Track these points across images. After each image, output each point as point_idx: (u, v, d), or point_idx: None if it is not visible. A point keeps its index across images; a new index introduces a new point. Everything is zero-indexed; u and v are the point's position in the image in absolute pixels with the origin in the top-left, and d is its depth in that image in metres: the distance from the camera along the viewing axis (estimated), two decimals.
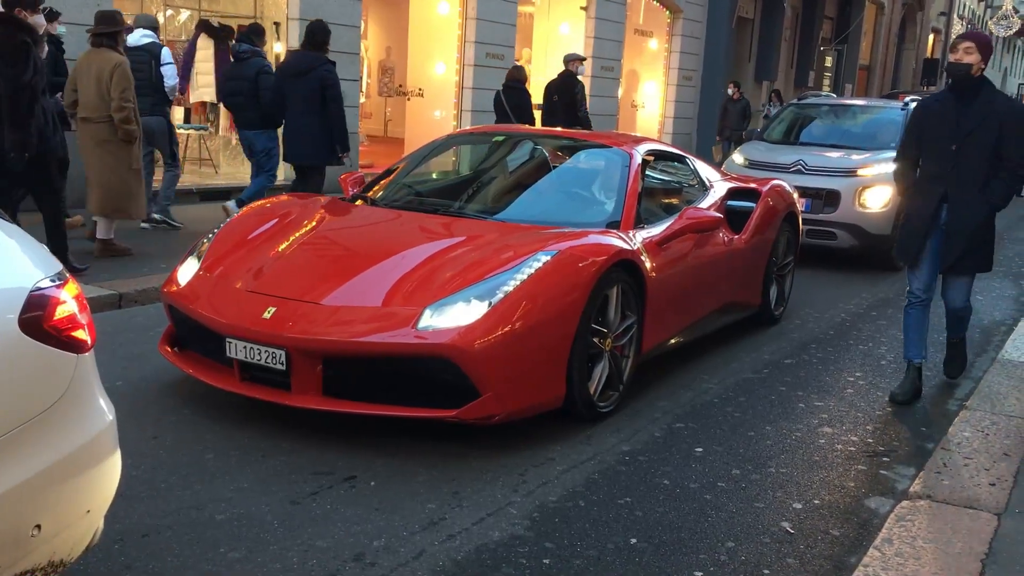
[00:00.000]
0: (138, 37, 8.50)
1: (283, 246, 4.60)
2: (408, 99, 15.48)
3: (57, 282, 2.14)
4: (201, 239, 4.90)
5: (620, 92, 18.33)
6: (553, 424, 4.35)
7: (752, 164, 9.72)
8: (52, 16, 7.70)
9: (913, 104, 10.83)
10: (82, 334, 2.17)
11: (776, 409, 4.95)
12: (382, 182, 5.79)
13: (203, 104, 11.71)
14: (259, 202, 5.43)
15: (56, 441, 2.07)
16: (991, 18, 42.76)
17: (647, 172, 5.56)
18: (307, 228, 4.80)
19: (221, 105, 11.44)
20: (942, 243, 4.99)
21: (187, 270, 4.62)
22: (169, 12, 12.09)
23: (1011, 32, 43.38)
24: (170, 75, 8.60)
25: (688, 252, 5.33)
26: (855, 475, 4.11)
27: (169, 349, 4.58)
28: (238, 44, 8.87)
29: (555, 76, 11.53)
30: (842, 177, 9.26)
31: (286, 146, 8.09)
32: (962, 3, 38.77)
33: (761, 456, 4.26)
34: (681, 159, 6.19)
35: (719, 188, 6.23)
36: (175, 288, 4.54)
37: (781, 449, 4.36)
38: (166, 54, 8.62)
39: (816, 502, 3.80)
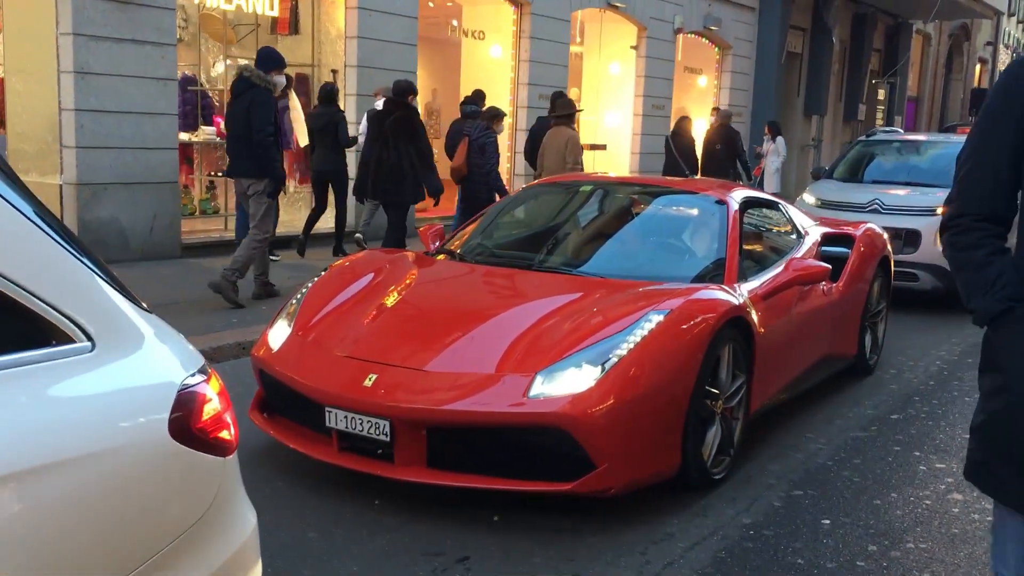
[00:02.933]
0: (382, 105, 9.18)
1: (377, 307, 4.41)
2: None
3: (203, 377, 1.94)
4: (290, 299, 4.73)
5: (671, 130, 18.13)
6: (664, 494, 4.08)
7: (825, 204, 9.44)
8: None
9: None
10: (227, 434, 1.97)
11: (896, 473, 4.64)
12: (463, 234, 5.60)
13: None
14: (344, 260, 5.26)
15: (203, 557, 1.86)
16: None
17: (745, 220, 5.32)
18: (400, 288, 4.61)
19: None
20: None
21: (279, 333, 4.44)
22: (227, 62, 12.11)
23: None
24: None
25: (791, 304, 5.07)
26: None
27: (260, 416, 4.39)
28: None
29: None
30: (922, 216, 8.93)
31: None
32: (1008, 32, 38.24)
33: (895, 529, 3.96)
34: (774, 205, 5.94)
35: (814, 234, 5.97)
36: (268, 352, 4.35)
37: (914, 521, 4.05)
38: None
39: None
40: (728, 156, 13.61)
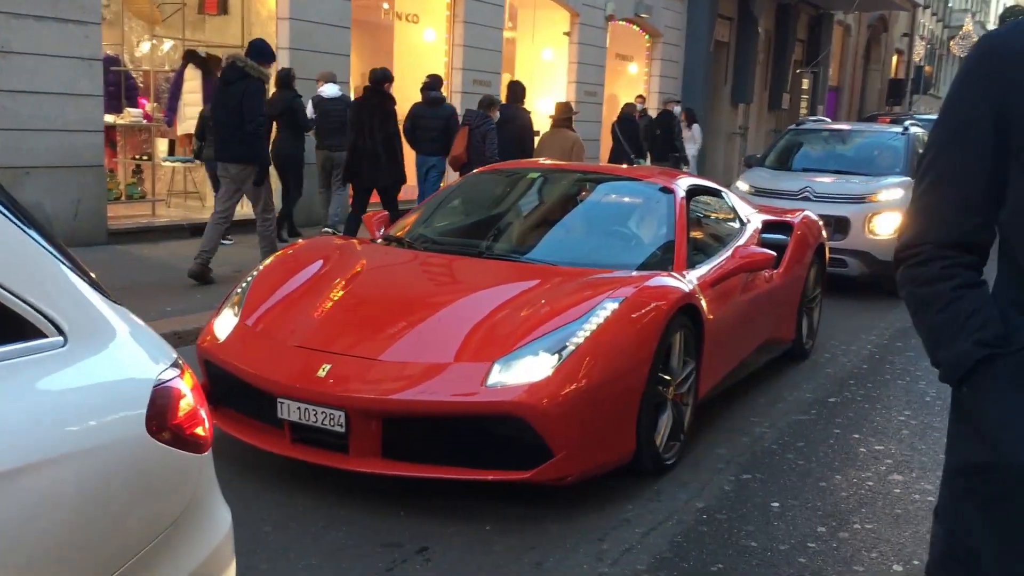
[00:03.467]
0: (332, 91, 10.27)
1: (328, 296, 4.33)
2: None
3: (177, 372, 1.87)
4: (235, 288, 4.62)
5: (602, 116, 18.24)
6: (617, 479, 4.11)
7: (758, 192, 9.59)
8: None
9: (915, 129, 10.86)
10: (202, 430, 1.90)
11: (839, 455, 4.75)
12: (408, 222, 5.53)
13: (188, 136, 11.35)
14: (290, 247, 5.15)
15: (181, 558, 1.79)
16: (951, 38, 43.65)
17: (689, 209, 5.37)
18: (350, 276, 4.52)
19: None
20: None
21: (225, 322, 4.32)
22: (152, 42, 11.75)
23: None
24: None
25: (736, 291, 5.14)
26: None
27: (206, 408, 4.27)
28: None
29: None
30: (851, 204, 9.16)
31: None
32: (923, 25, 39.43)
33: (841, 511, 4.05)
34: (716, 193, 6.02)
35: (755, 221, 6.06)
36: (214, 342, 4.24)
37: (859, 502, 4.16)
38: None
39: (916, 563, 3.59)
40: (667, 141, 14.12)
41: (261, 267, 4.73)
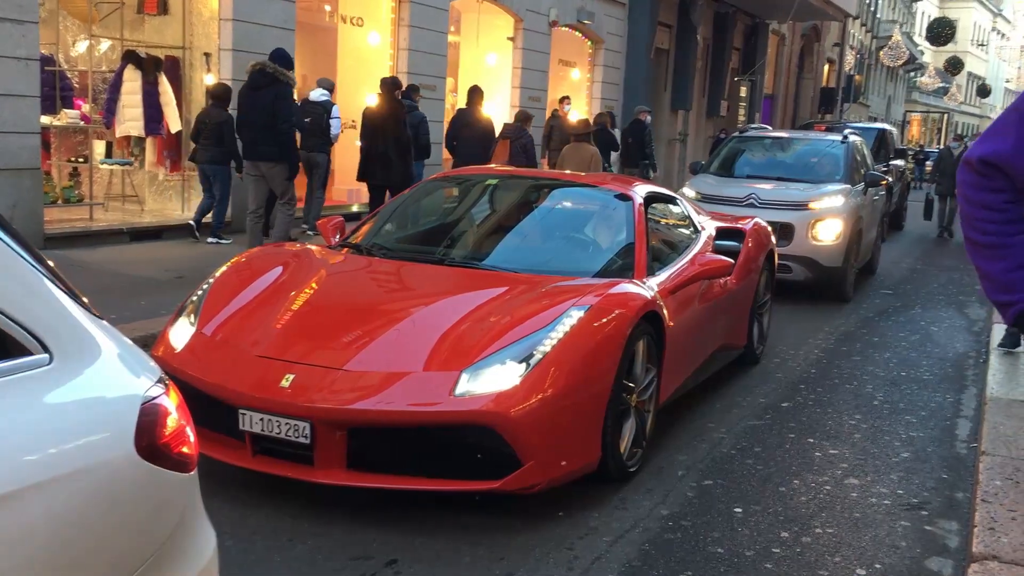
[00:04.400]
0: (318, 94, 10.86)
1: (289, 304, 4.25)
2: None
3: (163, 389, 1.80)
4: (189, 296, 4.50)
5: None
6: (581, 487, 4.11)
7: (704, 198, 9.69)
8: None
9: (853, 138, 11.11)
10: (188, 449, 1.83)
11: (795, 460, 4.82)
12: (364, 229, 5.47)
13: (127, 138, 11.08)
14: (244, 254, 5.04)
15: None
16: (879, 48, 44.80)
17: (647, 215, 5.40)
18: (311, 284, 4.45)
19: (148, 139, 11.01)
20: None
21: (181, 332, 4.21)
22: (89, 42, 11.43)
23: (899, 63, 45.54)
24: (335, 126, 10.94)
25: (694, 297, 5.19)
26: (903, 533, 3.99)
27: None
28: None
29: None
30: (794, 210, 9.32)
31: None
32: (853, 35, 40.39)
33: (802, 515, 4.11)
34: (672, 200, 6.07)
35: (708, 228, 6.13)
36: (170, 352, 4.12)
37: (819, 506, 4.22)
38: (335, 110, 11.00)
39: (878, 566, 3.65)
40: (639, 149, 14.54)
41: (217, 274, 4.62)
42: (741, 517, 4.05)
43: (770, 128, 13.23)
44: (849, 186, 9.88)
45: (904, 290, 10.76)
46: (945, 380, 6.63)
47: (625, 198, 5.29)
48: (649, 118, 15.28)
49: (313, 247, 5.16)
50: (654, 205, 5.79)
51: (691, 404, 5.53)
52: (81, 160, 11.19)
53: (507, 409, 3.60)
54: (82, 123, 10.40)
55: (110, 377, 1.71)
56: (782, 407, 5.77)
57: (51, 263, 1.76)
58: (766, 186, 9.82)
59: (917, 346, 7.73)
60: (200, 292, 4.45)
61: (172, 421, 1.78)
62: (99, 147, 11.64)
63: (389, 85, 9.81)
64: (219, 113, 9.83)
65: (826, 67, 38.63)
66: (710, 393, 5.83)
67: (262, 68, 8.31)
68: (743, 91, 24.36)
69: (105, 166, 11.31)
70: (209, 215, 10.18)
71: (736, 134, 12.02)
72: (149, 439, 1.70)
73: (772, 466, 4.70)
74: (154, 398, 1.75)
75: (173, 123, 11.01)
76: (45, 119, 9.85)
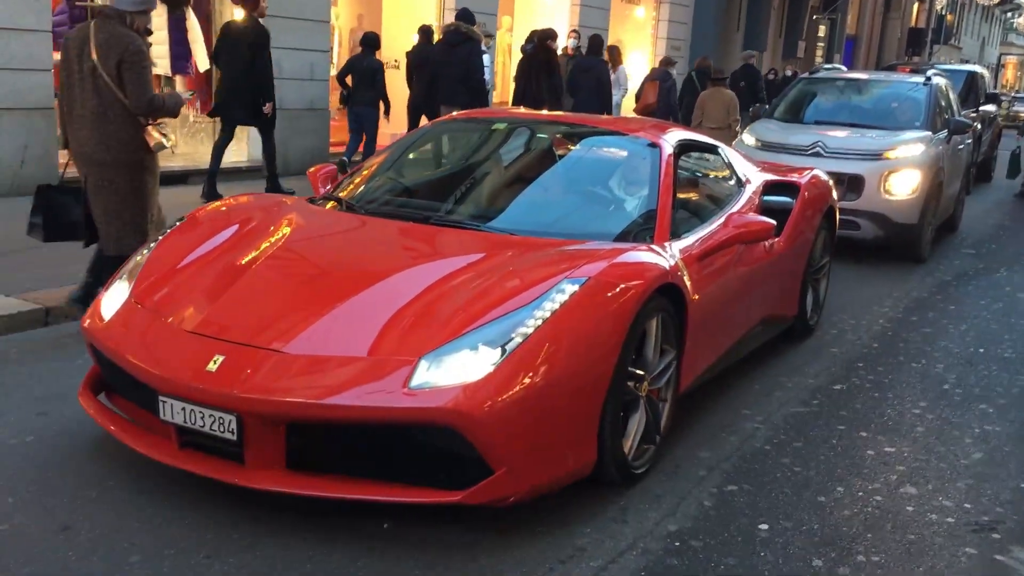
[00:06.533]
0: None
1: (236, 270, 3.62)
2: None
3: None
4: (134, 255, 3.92)
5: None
6: (576, 493, 3.45)
7: (765, 146, 8.82)
8: None
9: (938, 80, 10.01)
10: None
11: (842, 459, 4.08)
12: (358, 178, 4.81)
13: (157, 77, 10.58)
14: (214, 204, 4.44)
15: None
16: None
17: (678, 167, 4.63)
18: (268, 245, 3.81)
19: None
20: None
21: (114, 298, 3.64)
22: None
23: (994, 1, 42.81)
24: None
25: (729, 265, 4.43)
26: (967, 564, 3.24)
27: (93, 398, 3.62)
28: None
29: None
30: (866, 160, 8.37)
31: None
32: None
33: (842, 535, 3.38)
34: (713, 149, 5.26)
35: (755, 182, 5.32)
36: (97, 322, 3.56)
37: (864, 524, 3.48)
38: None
39: None
40: (752, 94, 14.47)
41: (168, 231, 4.03)
42: (766, 537, 3.34)
43: (844, 69, 12.12)
44: (930, 133, 8.87)
45: (988, 250, 9.72)
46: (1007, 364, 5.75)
47: (652, 146, 4.52)
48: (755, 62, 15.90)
49: (288, 200, 4.53)
50: (690, 155, 5.02)
51: (724, 386, 4.80)
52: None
53: (473, 406, 2.94)
54: None
55: None
56: (833, 390, 4.99)
57: None
58: (836, 133, 8.86)
59: (1000, 317, 6.81)
60: (145, 251, 3.86)
61: None
62: None
63: (544, 35, 10.31)
64: (371, 59, 10.40)
65: (915, 6, 36.41)
66: (749, 372, 5.09)
67: (457, 28, 9.51)
68: (821, 31, 22.87)
69: None
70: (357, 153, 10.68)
71: (806, 75, 10.98)
72: None
73: (812, 468, 3.97)
74: None
75: (201, 61, 10.48)
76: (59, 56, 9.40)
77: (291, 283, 3.58)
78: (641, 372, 3.58)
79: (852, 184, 8.26)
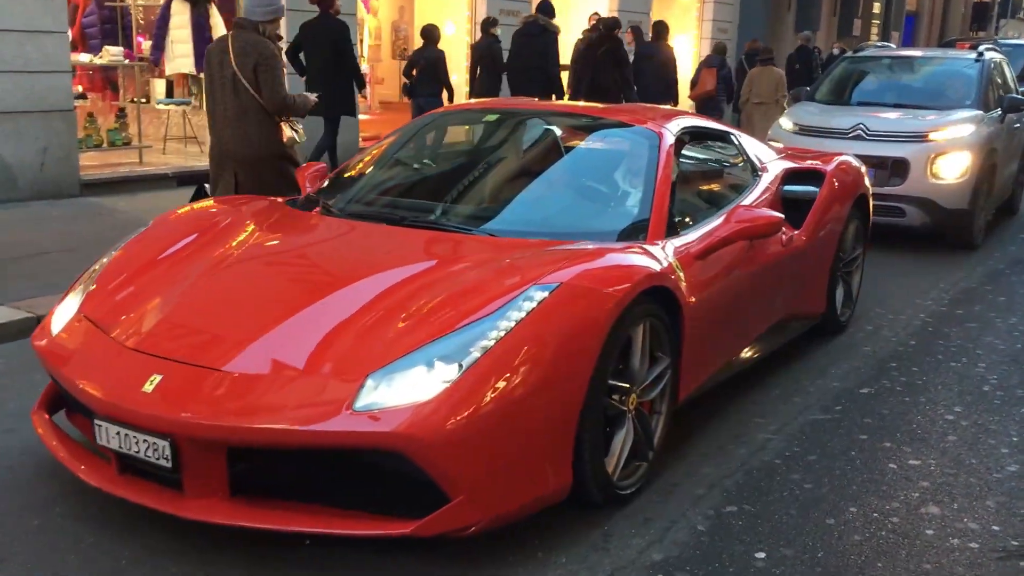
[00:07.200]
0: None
1: (186, 281, 3.39)
2: None
3: None
4: (91, 265, 3.73)
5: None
6: (558, 513, 3.16)
7: (804, 130, 8.38)
8: None
9: (991, 55, 9.41)
10: None
11: (859, 474, 3.71)
12: (342, 178, 4.56)
13: (183, 76, 10.52)
14: (184, 208, 4.24)
15: None
16: None
17: (683, 156, 4.29)
18: (226, 253, 3.58)
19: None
20: None
21: (65, 312, 3.45)
22: None
23: None
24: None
25: (735, 262, 4.08)
26: None
27: (45, 417, 3.43)
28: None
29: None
30: (911, 143, 7.87)
31: None
32: None
33: (848, 565, 3.03)
34: (724, 136, 4.90)
35: (773, 170, 4.94)
36: (44, 337, 3.37)
37: (875, 550, 3.13)
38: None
39: None
40: (807, 75, 13.92)
41: (133, 235, 3.83)
42: (762, 567, 3.01)
43: (893, 47, 11.53)
44: (981, 112, 8.32)
45: None
46: None
47: (651, 136, 4.18)
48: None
49: (264, 200, 4.29)
50: (699, 144, 4.67)
51: (738, 391, 4.46)
52: (143, 100, 10.74)
53: (425, 429, 2.67)
54: (126, 61, 9.85)
55: None
56: (860, 395, 4.61)
57: None
58: (879, 115, 8.36)
59: None
60: (104, 260, 3.67)
61: None
62: (159, 87, 11.16)
63: (611, 24, 10.34)
64: (432, 51, 10.32)
65: None
66: (768, 374, 4.73)
67: (535, 20, 10.01)
68: (877, 7, 22.03)
69: (162, 107, 10.81)
70: None
71: (849, 54, 10.44)
72: None
73: (825, 484, 3.61)
74: None
75: None
76: (84, 57, 9.36)
77: (243, 295, 3.34)
78: (626, 384, 3.27)
79: (896, 168, 7.79)
